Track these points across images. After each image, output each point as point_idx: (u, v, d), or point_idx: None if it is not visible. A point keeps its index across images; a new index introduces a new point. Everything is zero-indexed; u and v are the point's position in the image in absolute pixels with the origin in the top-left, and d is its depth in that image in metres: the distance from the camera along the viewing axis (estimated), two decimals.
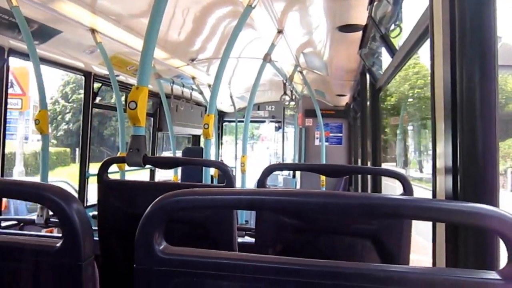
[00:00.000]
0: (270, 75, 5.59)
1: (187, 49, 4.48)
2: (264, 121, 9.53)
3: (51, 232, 3.38)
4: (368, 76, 3.99)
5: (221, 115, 8.98)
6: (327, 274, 0.73)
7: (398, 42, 2.65)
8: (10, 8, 2.76)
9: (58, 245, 0.83)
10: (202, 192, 0.80)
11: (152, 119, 6.56)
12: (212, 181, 5.37)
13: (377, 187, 3.62)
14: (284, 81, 5.08)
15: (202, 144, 7.94)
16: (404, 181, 1.79)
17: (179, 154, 7.01)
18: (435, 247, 1.24)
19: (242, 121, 4.77)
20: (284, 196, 0.77)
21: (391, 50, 2.60)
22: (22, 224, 3.20)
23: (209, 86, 6.06)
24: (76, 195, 4.00)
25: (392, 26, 2.54)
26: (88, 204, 4.80)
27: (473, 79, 1.06)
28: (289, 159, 9.79)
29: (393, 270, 0.72)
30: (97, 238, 1.84)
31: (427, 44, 1.76)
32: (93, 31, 3.52)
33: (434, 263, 1.25)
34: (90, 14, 3.17)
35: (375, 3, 2.47)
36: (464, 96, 1.07)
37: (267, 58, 3.70)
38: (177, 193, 0.79)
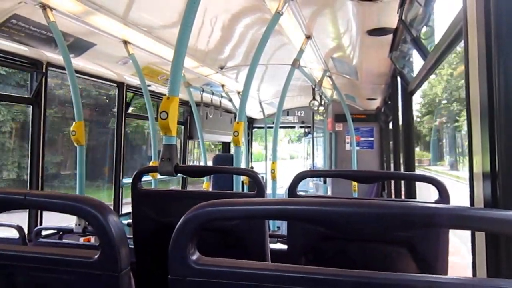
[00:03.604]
0: (299, 80, 5.57)
1: (216, 57, 4.53)
2: (293, 127, 9.50)
3: (88, 240, 3.47)
4: (399, 79, 3.92)
5: (250, 121, 9.02)
6: (362, 285, 0.71)
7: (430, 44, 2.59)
8: (47, 24, 2.88)
9: (96, 256, 0.86)
10: (234, 202, 0.81)
11: (182, 127, 6.65)
12: (242, 188, 5.40)
13: (411, 192, 3.53)
14: (313, 86, 5.05)
15: (232, 151, 8.00)
16: (440, 186, 1.74)
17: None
18: (474, 256, 1.19)
19: (272, 127, 4.77)
20: (316, 206, 0.76)
21: (423, 52, 2.54)
22: (61, 233, 3.31)
23: (238, 93, 6.10)
24: None
25: (424, 28, 2.49)
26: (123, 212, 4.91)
27: (511, 80, 1.02)
28: (319, 164, 9.71)
29: (431, 280, 0.69)
30: (131, 246, 1.87)
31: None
32: (125, 42, 3.62)
33: (474, 273, 1.20)
34: (122, 26, 3.27)
35: (406, 6, 2.42)
36: (502, 98, 1.03)
37: (295, 64, 3.69)
38: (209, 204, 0.80)
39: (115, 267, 0.84)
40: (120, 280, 0.85)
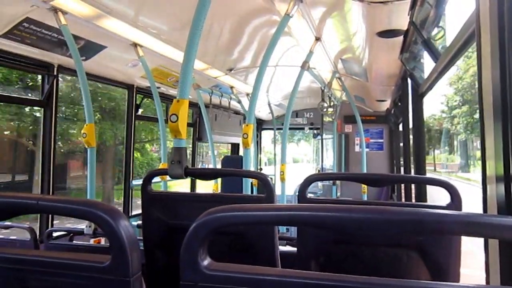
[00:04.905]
0: (308, 82, 5.56)
1: (225, 59, 4.54)
2: (302, 128, 9.48)
3: (99, 242, 3.50)
4: (409, 81, 3.89)
5: (259, 123, 9.01)
6: None
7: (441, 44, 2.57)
8: (59, 27, 2.91)
9: (107, 262, 0.86)
10: (244, 208, 0.80)
11: (192, 129, 6.66)
12: (252, 190, 5.39)
13: (421, 196, 3.49)
14: (322, 88, 5.03)
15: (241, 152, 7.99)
16: (451, 190, 1.71)
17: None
18: (488, 263, 1.17)
19: (281, 129, 4.77)
20: (325, 212, 0.75)
21: (434, 54, 2.52)
22: (72, 234, 3.34)
23: (247, 95, 6.10)
24: None
25: (435, 30, 2.46)
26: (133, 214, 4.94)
27: None
28: (328, 166, 9.67)
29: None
30: (142, 248, 1.88)
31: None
32: (135, 45, 3.64)
33: (488, 281, 1.18)
34: (132, 29, 3.28)
35: (417, 7, 2.40)
36: None
37: (305, 66, 3.68)
38: (220, 209, 0.80)
39: (127, 272, 0.84)
40: (132, 285, 0.85)
